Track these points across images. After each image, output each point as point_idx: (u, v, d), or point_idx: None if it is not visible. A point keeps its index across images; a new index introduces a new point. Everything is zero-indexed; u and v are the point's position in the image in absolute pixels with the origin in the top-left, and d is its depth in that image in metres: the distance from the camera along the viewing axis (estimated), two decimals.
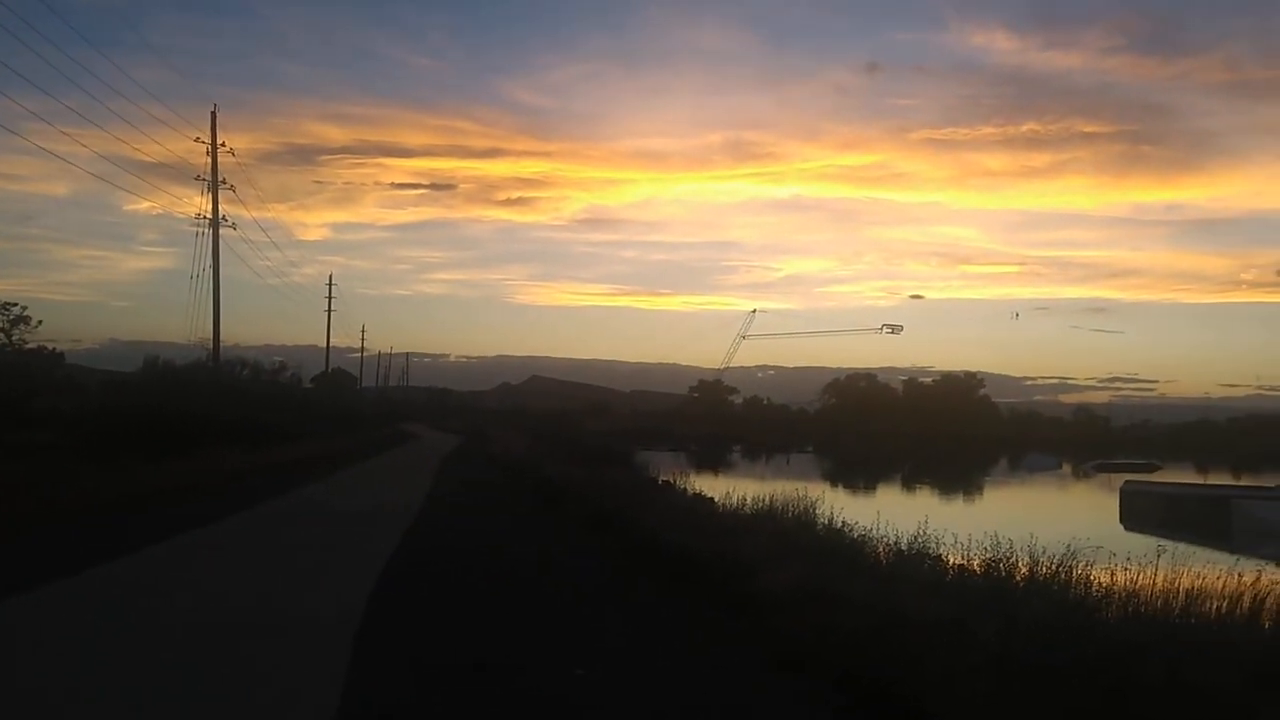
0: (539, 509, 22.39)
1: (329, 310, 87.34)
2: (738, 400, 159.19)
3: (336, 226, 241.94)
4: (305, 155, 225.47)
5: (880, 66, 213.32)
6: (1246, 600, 9.16)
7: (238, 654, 8.20)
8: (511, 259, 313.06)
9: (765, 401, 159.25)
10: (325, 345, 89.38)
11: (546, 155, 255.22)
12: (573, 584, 12.42)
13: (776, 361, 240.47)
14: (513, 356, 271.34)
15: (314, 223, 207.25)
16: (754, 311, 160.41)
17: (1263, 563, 13.82)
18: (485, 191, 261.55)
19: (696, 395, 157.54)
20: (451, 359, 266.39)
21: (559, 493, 23.07)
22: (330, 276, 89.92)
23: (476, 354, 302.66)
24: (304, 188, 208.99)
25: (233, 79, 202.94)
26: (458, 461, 45.51)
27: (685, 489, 23.30)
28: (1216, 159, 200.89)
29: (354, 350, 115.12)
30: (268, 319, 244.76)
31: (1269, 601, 9.15)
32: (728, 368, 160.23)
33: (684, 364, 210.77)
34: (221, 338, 47.40)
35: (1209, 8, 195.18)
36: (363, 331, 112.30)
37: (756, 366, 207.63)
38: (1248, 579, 9.59)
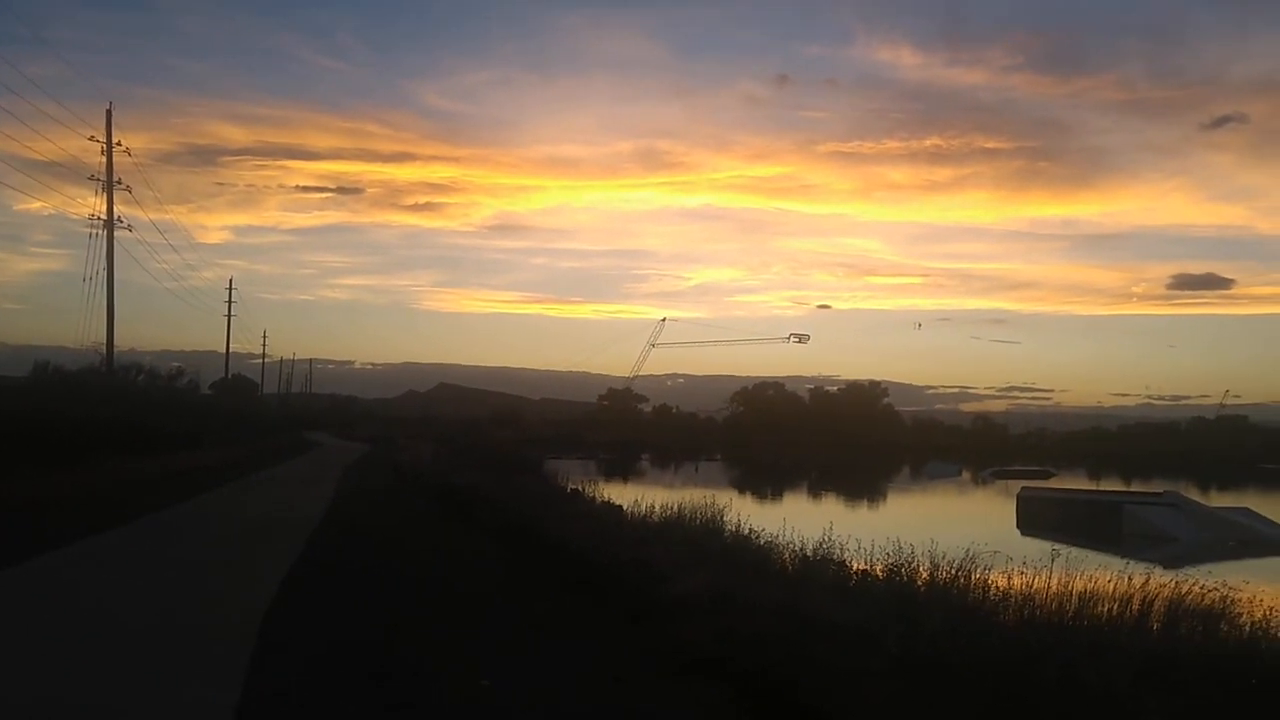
0: (446, 518, 22.11)
1: (229, 315, 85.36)
2: (647, 408, 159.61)
3: (238, 229, 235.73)
4: (206, 156, 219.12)
5: (790, 79, 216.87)
6: (1136, 602, 9.49)
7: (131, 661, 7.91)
8: (419, 265, 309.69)
9: (674, 410, 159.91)
10: (225, 351, 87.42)
11: (456, 161, 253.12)
12: (480, 593, 12.28)
13: (686, 370, 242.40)
14: (420, 364, 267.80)
15: (214, 225, 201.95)
16: (664, 320, 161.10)
17: (1151, 566, 14.33)
18: (393, 196, 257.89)
19: (606, 403, 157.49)
20: (357, 366, 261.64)
21: (467, 502, 22.82)
22: (230, 280, 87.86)
23: (383, 361, 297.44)
24: (204, 189, 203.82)
25: (130, 76, 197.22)
26: (362, 470, 44.70)
27: (594, 497, 23.26)
28: (1110, 176, 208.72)
29: (255, 356, 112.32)
30: (165, 324, 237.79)
31: (1156, 603, 9.49)
32: (637, 376, 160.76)
33: (594, 372, 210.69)
34: (116, 342, 46.00)
35: (1104, 30, 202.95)
36: (264, 337, 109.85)
37: (666, 375, 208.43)
38: (1137, 582, 9.92)
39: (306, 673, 8.06)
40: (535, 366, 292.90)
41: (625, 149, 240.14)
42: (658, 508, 18.83)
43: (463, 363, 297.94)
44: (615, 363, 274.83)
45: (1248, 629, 8.84)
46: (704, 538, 15.12)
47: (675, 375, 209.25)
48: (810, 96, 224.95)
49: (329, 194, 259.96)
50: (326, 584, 12.85)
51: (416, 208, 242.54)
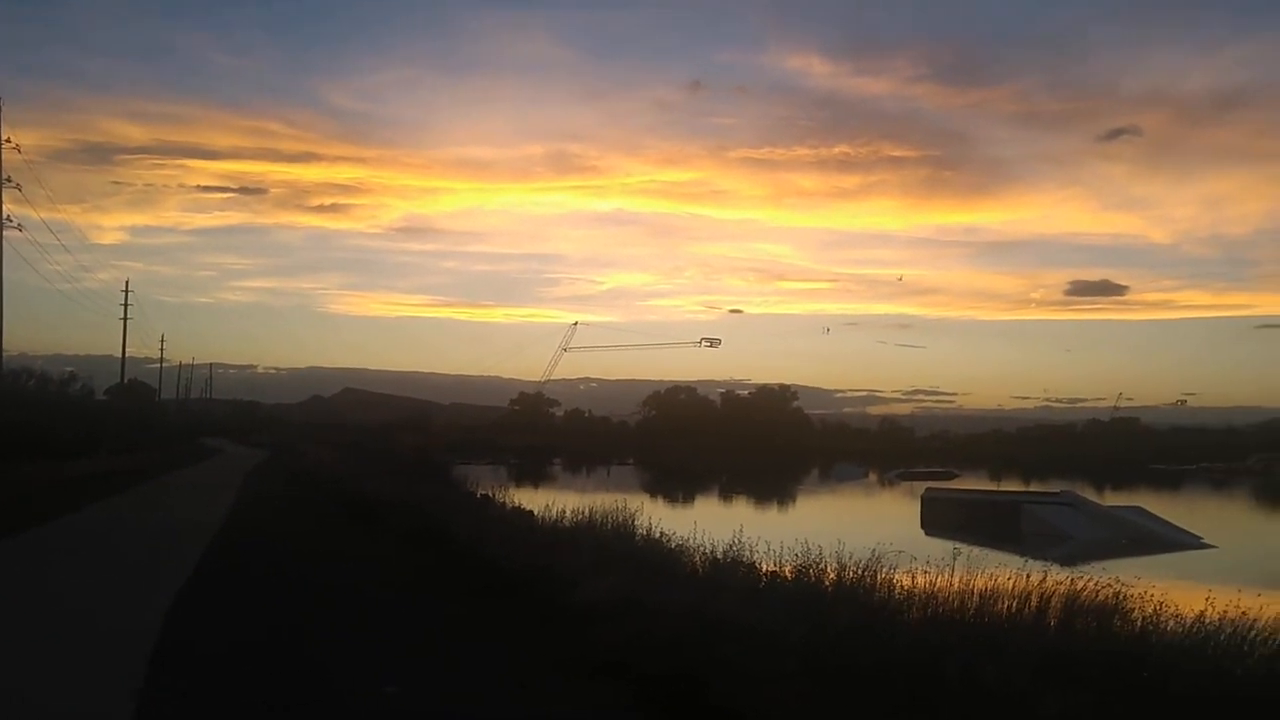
0: (352, 524, 21.70)
1: (125, 318, 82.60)
2: (559, 413, 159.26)
3: (135, 230, 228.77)
4: (101, 154, 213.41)
5: (701, 85, 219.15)
6: (1034, 599, 9.75)
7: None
8: (324, 267, 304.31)
9: (586, 414, 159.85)
10: (121, 355, 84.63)
11: (363, 161, 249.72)
12: (388, 600, 12.06)
13: (598, 374, 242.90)
14: (325, 368, 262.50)
15: (110, 225, 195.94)
16: (575, 324, 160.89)
17: (1048, 564, 14.73)
18: (297, 197, 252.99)
19: (517, 408, 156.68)
20: (259, 370, 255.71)
21: (374, 508, 22.43)
22: (127, 283, 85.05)
23: (286, 365, 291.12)
24: (100, 188, 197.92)
25: (22, 70, 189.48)
26: (265, 477, 43.65)
27: (505, 502, 23.08)
28: (1010, 185, 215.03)
29: (152, 361, 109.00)
30: (58, 327, 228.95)
31: (1054, 600, 9.75)
32: (549, 380, 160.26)
33: (505, 376, 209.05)
34: (5, 346, 44.15)
35: (1003, 42, 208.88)
36: (162, 341, 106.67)
37: (578, 379, 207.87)
38: (1035, 580, 10.18)
39: (205, 674, 7.85)
40: (445, 371, 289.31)
41: (536, 152, 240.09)
42: (569, 512, 18.76)
43: (370, 367, 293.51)
44: (527, 367, 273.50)
45: (1140, 624, 9.12)
46: (615, 542, 15.09)
47: (587, 379, 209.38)
48: (721, 103, 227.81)
49: (230, 194, 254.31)
50: (227, 590, 12.51)
51: (322, 209, 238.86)
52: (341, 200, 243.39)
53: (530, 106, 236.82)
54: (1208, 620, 8.61)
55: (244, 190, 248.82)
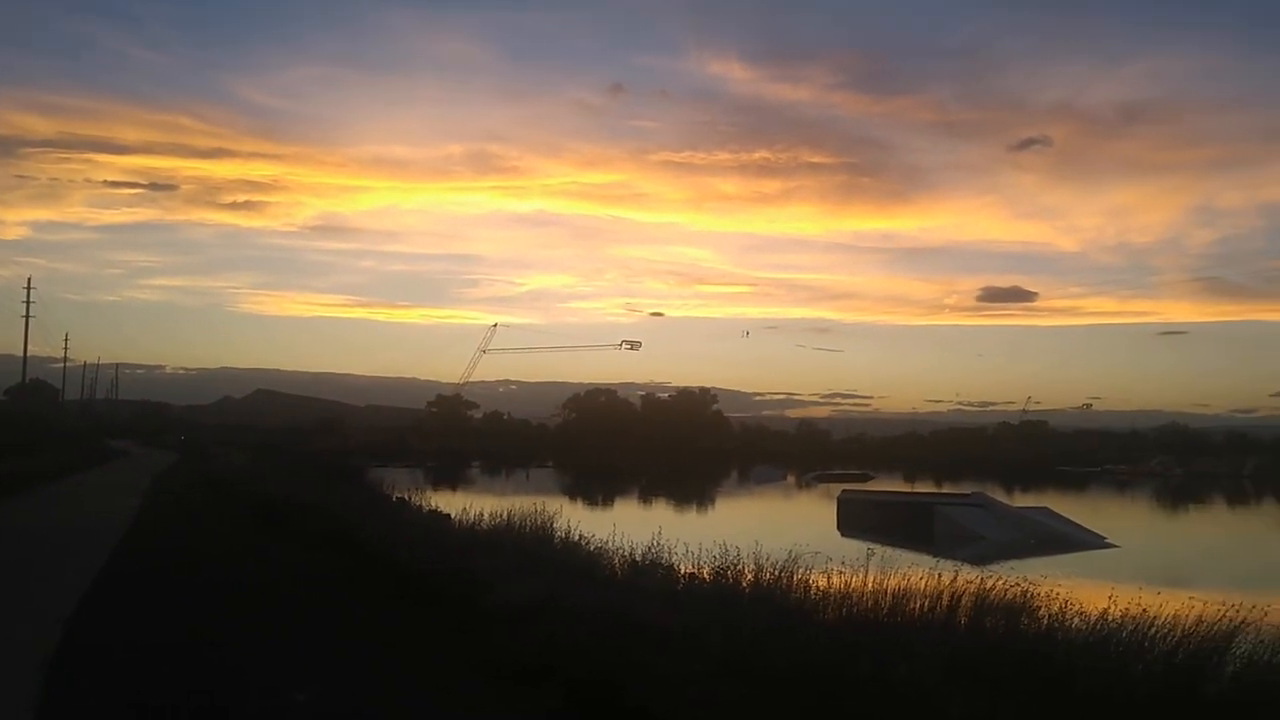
0: (263, 529, 21.21)
1: (27, 316, 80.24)
2: (478, 415, 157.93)
3: (38, 225, 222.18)
4: (5, 147, 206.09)
5: (623, 88, 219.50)
6: (945, 599, 9.94)
7: None
8: (237, 266, 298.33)
9: (506, 416, 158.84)
10: (22, 354, 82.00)
11: (277, 158, 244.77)
12: (300, 606, 11.81)
13: (518, 376, 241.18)
14: (236, 369, 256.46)
15: (13, 220, 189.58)
16: (495, 325, 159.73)
17: (960, 564, 15.01)
18: (209, 194, 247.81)
19: (435, 410, 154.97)
20: (168, 371, 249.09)
21: (288, 513, 21.96)
22: (29, 280, 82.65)
23: (196, 366, 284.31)
24: (2, 182, 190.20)
25: None
26: (173, 480, 42.44)
27: (421, 506, 22.80)
28: (925, 192, 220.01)
29: (55, 361, 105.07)
30: None
31: (964, 599, 9.95)
32: (468, 382, 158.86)
33: (422, 378, 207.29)
34: None
35: (919, 53, 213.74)
36: (65, 340, 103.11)
37: (498, 381, 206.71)
38: (946, 579, 10.37)
39: (109, 677, 7.60)
40: (360, 372, 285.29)
41: (456, 151, 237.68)
42: (487, 515, 18.60)
43: (283, 368, 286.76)
44: (445, 369, 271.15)
45: (1046, 622, 9.34)
46: (534, 545, 15.02)
47: (507, 382, 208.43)
48: (643, 106, 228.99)
49: (140, 190, 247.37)
50: (132, 594, 12.15)
51: (235, 206, 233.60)
52: (255, 197, 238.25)
53: (449, 106, 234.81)
54: (1110, 618, 8.85)
55: (154, 186, 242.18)
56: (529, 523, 17.11)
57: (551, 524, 17.02)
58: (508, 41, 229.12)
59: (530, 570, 11.50)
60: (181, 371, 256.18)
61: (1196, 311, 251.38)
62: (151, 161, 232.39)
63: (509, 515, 17.94)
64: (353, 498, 23.18)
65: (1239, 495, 75.87)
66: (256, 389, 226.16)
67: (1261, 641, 7.84)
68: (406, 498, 24.99)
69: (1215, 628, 8.19)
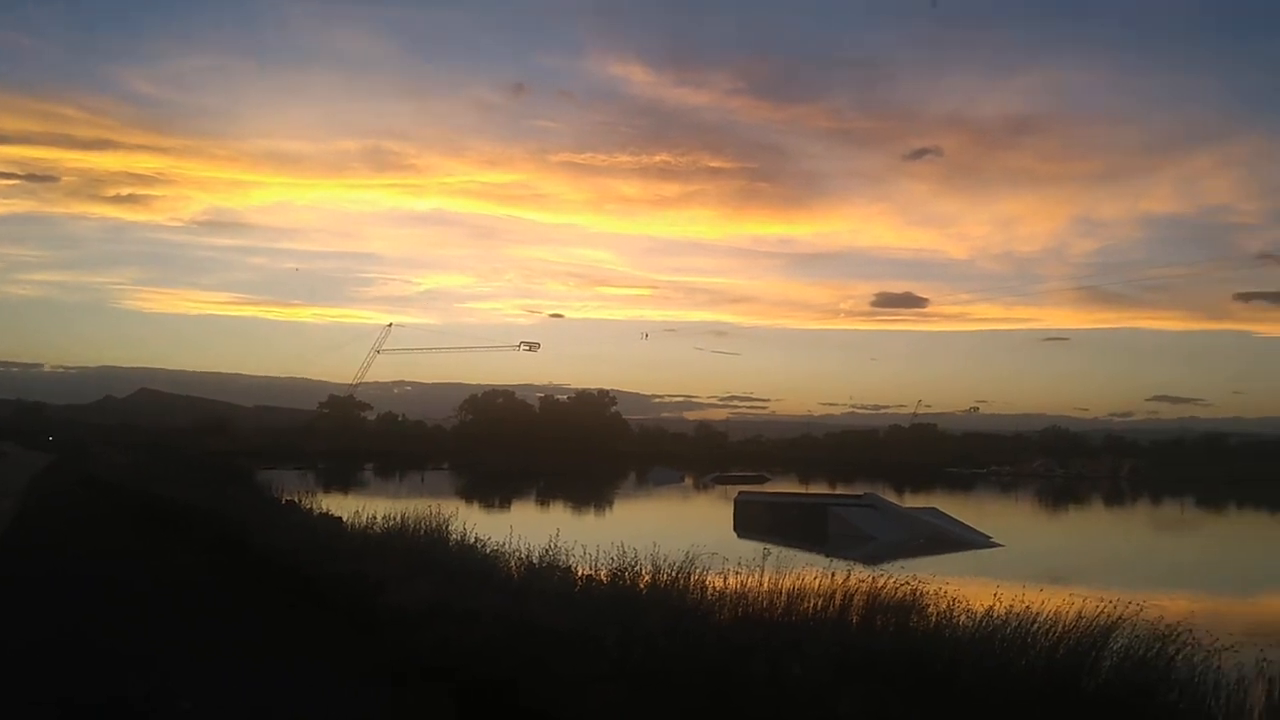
0: (147, 532, 20.51)
1: None
2: (372, 416, 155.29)
3: None
4: None
5: (525, 88, 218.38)
6: (838, 598, 10.09)
7: None
8: (121, 261, 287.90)
9: (401, 418, 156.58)
10: None
11: (164, 151, 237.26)
12: (187, 610, 11.43)
13: (414, 377, 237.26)
14: (120, 368, 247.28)
15: None
16: (390, 325, 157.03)
17: (852, 563, 15.29)
18: (91, 186, 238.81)
19: (327, 411, 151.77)
20: (47, 369, 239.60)
21: (173, 516, 21.26)
22: None
23: (76, 364, 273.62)
24: None
25: None
26: (52, 482, 40.74)
27: (312, 508, 22.30)
28: (821, 199, 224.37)
29: None
30: None
31: (856, 598, 10.12)
32: (361, 383, 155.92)
33: (314, 379, 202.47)
34: None
35: (817, 62, 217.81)
36: None
37: (393, 382, 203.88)
38: (839, 579, 10.53)
39: None
40: (249, 372, 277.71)
41: (352, 148, 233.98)
42: (380, 519, 18.26)
43: (168, 367, 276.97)
44: (337, 369, 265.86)
45: (934, 619, 9.55)
46: (428, 547, 14.80)
47: (402, 383, 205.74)
48: (544, 106, 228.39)
49: (17, 181, 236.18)
50: (9, 599, 11.58)
51: (119, 199, 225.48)
52: (140, 191, 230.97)
53: (346, 101, 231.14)
54: (995, 615, 9.08)
55: (32, 177, 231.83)
56: (424, 526, 16.84)
57: (447, 527, 16.78)
58: (407, 37, 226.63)
59: (424, 573, 11.31)
60: (61, 370, 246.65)
61: (1077, 319, 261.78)
62: (30, 152, 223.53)
63: (403, 518, 17.63)
64: (241, 500, 22.54)
65: (1116, 496, 79.07)
66: (140, 388, 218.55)
67: (1137, 637, 8.13)
68: (297, 500, 24.38)
69: (1094, 624, 8.46)
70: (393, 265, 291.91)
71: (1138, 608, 8.99)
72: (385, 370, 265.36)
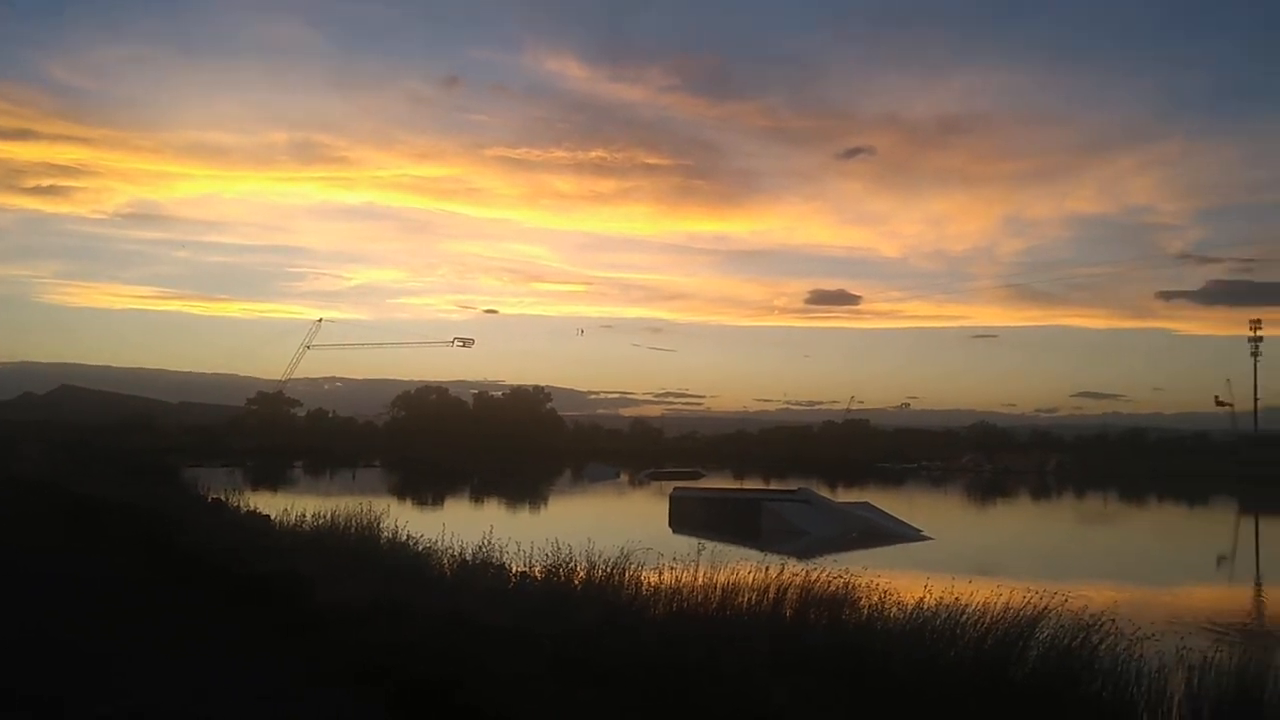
0: (70, 531, 19.93)
1: None
2: (301, 413, 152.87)
3: None
4: None
5: (459, 81, 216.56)
6: (772, 592, 10.17)
7: None
8: (40, 254, 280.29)
9: (331, 414, 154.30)
10: None
11: (86, 141, 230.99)
12: (113, 612, 11.10)
13: (345, 373, 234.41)
14: (39, 363, 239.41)
15: None
16: (320, 320, 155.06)
17: (785, 558, 15.41)
18: (10, 177, 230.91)
19: (255, 408, 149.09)
20: None
21: (96, 515, 20.70)
22: None
23: None
24: None
25: None
26: None
27: (240, 507, 21.92)
28: (757, 196, 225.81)
29: None
30: None
31: (790, 592, 10.20)
32: (290, 379, 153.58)
33: (242, 374, 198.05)
34: None
35: (752, 60, 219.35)
36: None
37: (323, 378, 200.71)
38: (773, 573, 10.62)
39: None
40: (175, 368, 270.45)
41: (280, 140, 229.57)
42: (310, 516, 18.01)
43: (90, 363, 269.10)
44: (266, 365, 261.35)
45: (867, 612, 9.67)
46: (360, 545, 14.64)
47: (333, 379, 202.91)
48: (478, 100, 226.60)
49: None
50: None
51: (38, 190, 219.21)
52: (61, 182, 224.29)
53: (274, 92, 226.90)
54: (926, 608, 9.23)
55: None
56: (355, 523, 16.66)
57: (379, 524, 16.62)
58: (337, 28, 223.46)
59: (356, 571, 11.18)
60: None
61: (1006, 316, 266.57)
62: None
63: (334, 516, 17.42)
64: (167, 498, 22.05)
65: (1042, 490, 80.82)
66: (60, 384, 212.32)
67: (1062, 627, 8.31)
68: (224, 498, 23.94)
69: (1021, 615, 8.64)
70: (323, 259, 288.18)
71: (1063, 598, 9.18)
72: (315, 366, 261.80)
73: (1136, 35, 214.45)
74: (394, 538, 15.57)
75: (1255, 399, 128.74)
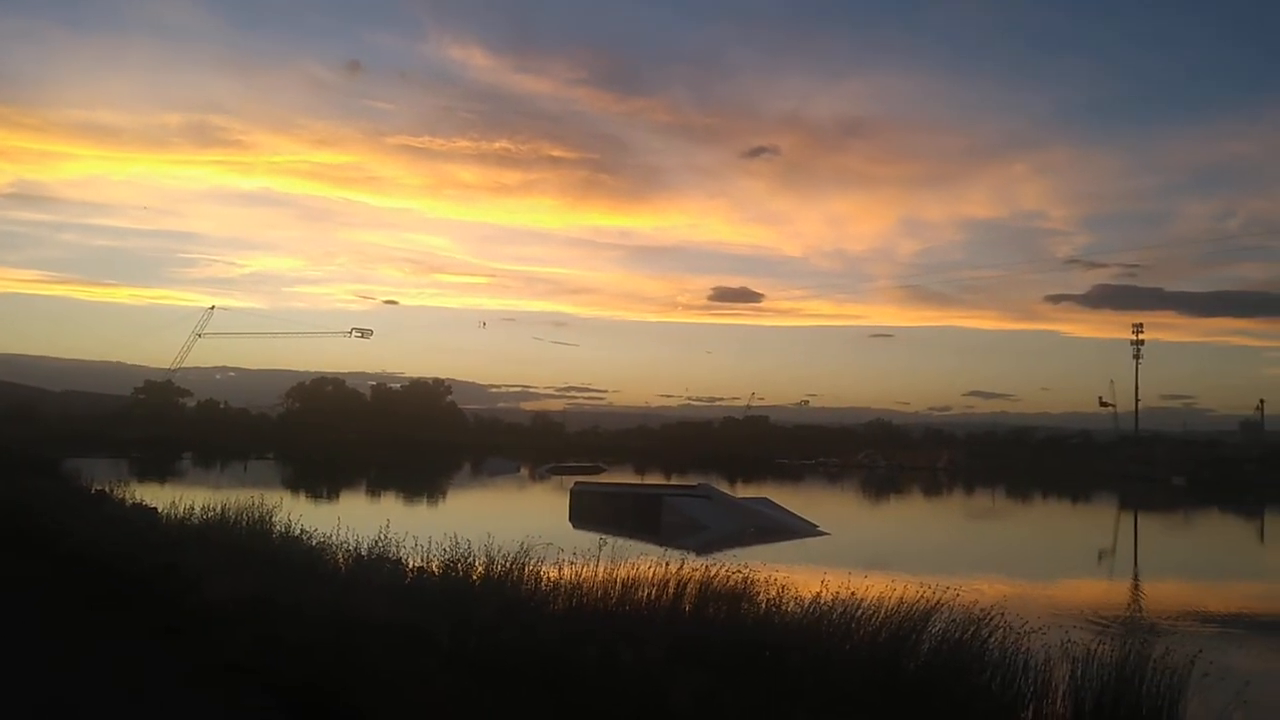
0: None
1: None
2: (191, 403, 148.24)
3: None
4: None
5: (361, 67, 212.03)
6: (671, 586, 10.18)
7: None
8: None
9: (223, 405, 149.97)
10: None
11: None
12: None
13: (238, 363, 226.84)
14: None
15: None
16: (212, 308, 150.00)
17: (686, 553, 15.48)
18: None
19: (143, 397, 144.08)
20: None
21: None
22: None
23: None
24: None
25: None
26: None
27: (124, 499, 21.13)
28: (661, 192, 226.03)
29: None
30: None
31: (689, 586, 10.22)
32: (180, 368, 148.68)
33: (129, 363, 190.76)
34: None
35: (657, 56, 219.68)
36: None
37: (215, 367, 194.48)
38: (673, 568, 10.62)
39: None
40: (59, 355, 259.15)
41: (173, 121, 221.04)
42: (199, 510, 17.45)
43: None
44: (155, 353, 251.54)
45: (764, 606, 9.74)
46: (250, 540, 14.23)
47: (225, 369, 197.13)
48: (380, 86, 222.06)
49: None
50: None
51: None
52: None
53: (167, 72, 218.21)
54: (822, 601, 9.35)
55: None
56: (245, 517, 16.20)
57: (270, 518, 16.19)
58: (234, 8, 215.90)
59: (245, 566, 10.85)
60: None
61: (902, 316, 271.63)
62: None
63: (223, 509, 16.91)
64: (47, 491, 21.13)
65: (934, 486, 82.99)
66: None
67: (953, 621, 8.49)
68: (108, 491, 23.04)
69: (914, 609, 8.81)
70: (216, 246, 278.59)
71: (954, 593, 9.38)
72: (207, 355, 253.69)
73: (1029, 45, 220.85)
74: (286, 532, 15.19)
75: (1136, 399, 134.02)
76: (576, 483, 49.11)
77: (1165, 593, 22.87)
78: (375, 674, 6.69)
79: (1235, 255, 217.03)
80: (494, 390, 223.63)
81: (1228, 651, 12.88)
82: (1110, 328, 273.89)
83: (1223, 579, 25.97)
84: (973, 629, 8.17)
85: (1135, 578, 26.62)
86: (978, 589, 10.99)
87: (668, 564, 10.86)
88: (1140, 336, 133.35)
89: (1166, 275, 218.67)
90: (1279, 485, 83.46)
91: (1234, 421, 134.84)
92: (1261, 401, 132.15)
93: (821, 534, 33.52)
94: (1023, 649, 7.87)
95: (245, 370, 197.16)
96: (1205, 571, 28.81)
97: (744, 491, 52.75)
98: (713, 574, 10.64)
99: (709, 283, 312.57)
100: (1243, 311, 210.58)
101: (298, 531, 14.99)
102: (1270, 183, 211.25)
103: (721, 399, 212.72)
